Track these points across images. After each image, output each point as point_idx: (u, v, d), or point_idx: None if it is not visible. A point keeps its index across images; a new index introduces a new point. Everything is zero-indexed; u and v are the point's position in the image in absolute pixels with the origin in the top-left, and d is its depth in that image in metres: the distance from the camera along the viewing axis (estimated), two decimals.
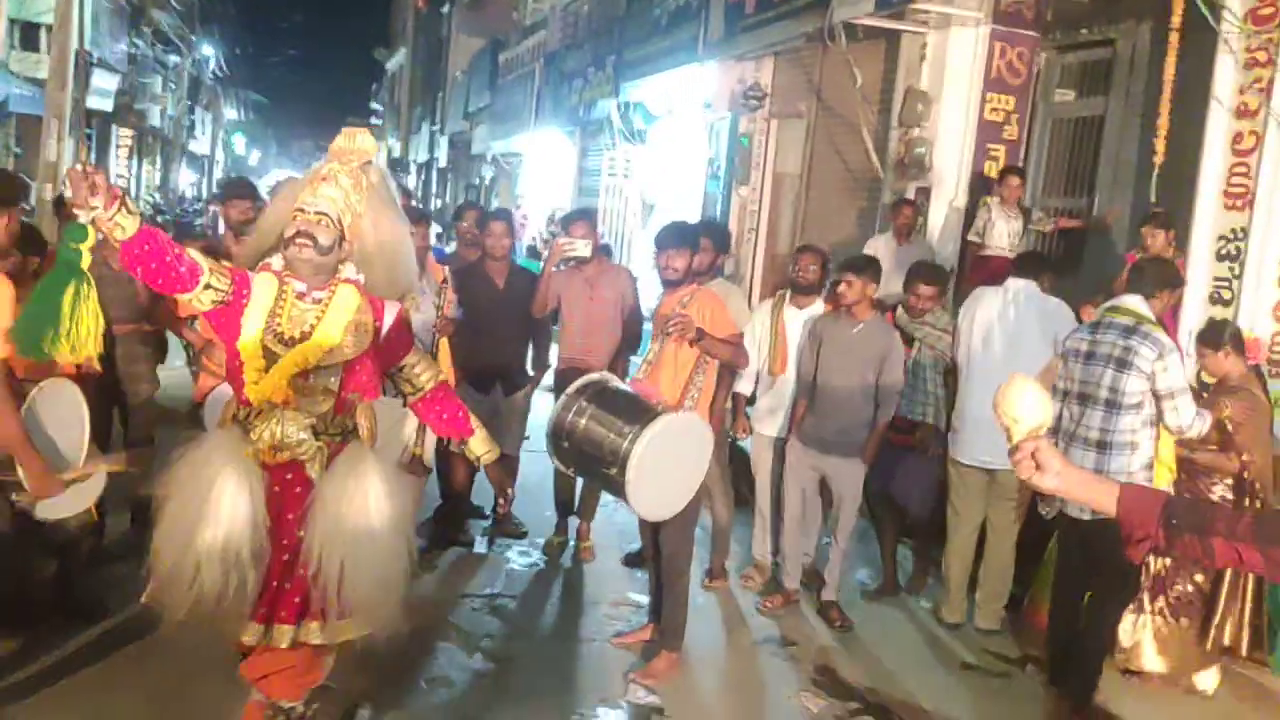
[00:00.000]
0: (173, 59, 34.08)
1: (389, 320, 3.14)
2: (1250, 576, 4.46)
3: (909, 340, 5.39)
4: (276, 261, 3.05)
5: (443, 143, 32.88)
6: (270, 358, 2.94)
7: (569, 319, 5.60)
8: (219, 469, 2.86)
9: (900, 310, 5.54)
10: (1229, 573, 4.51)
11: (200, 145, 45.54)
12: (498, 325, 5.56)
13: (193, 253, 2.89)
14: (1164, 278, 4.47)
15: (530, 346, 5.98)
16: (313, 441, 3.01)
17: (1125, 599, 4.55)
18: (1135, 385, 4.15)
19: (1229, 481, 4.54)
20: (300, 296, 3.01)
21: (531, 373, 5.96)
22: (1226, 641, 4.62)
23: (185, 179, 42.06)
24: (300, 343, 2.96)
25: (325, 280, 3.04)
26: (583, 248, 5.47)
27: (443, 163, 33.95)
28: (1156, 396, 4.16)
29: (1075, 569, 4.44)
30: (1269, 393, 5.04)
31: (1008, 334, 5.15)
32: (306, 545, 2.90)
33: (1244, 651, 4.63)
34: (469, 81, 27.26)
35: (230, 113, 54.24)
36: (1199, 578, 4.63)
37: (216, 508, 2.81)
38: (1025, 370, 5.04)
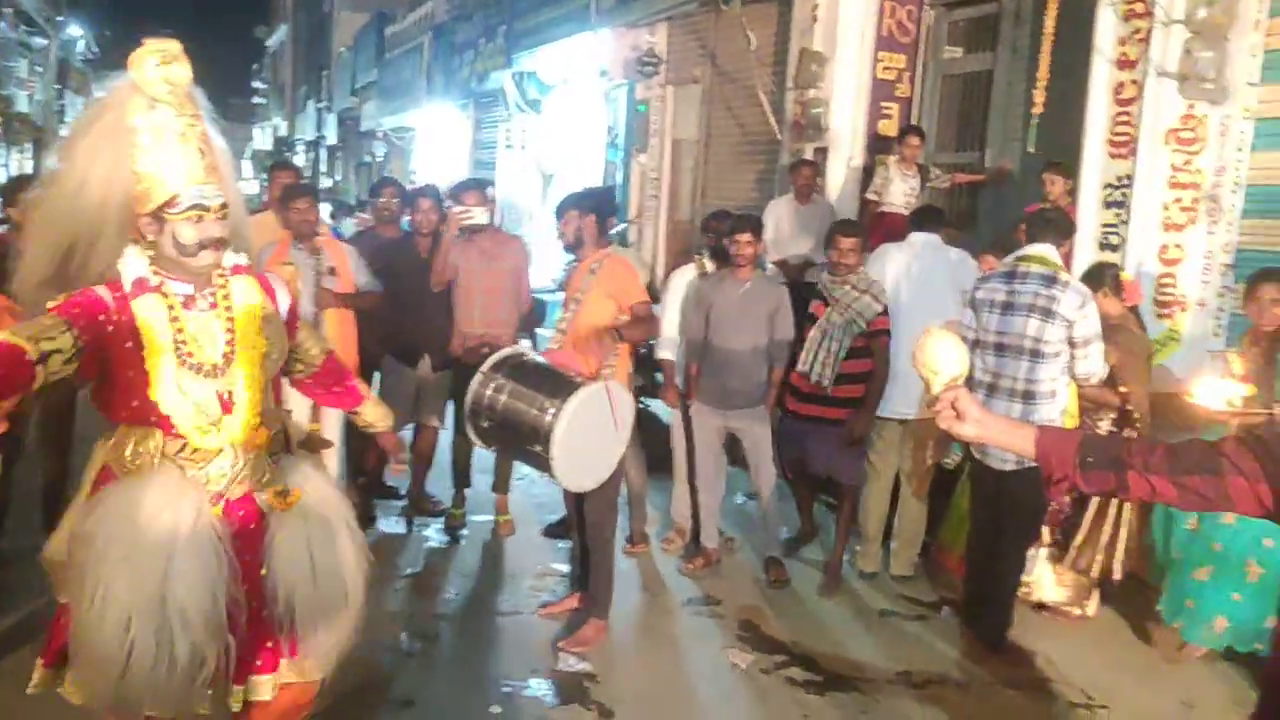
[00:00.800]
0: (38, 41, 32.43)
1: (282, 296, 2.70)
2: (1125, 506, 4.67)
3: (824, 302, 5.11)
4: (136, 266, 2.37)
5: (331, 120, 32.11)
6: (201, 398, 2.42)
7: (468, 290, 5.54)
8: (169, 519, 2.30)
9: (824, 273, 5.29)
10: (1096, 503, 4.73)
11: None
12: (425, 300, 5.49)
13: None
14: (1065, 227, 4.60)
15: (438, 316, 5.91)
16: (266, 465, 2.55)
17: (1033, 536, 4.72)
18: (1058, 334, 4.26)
19: (1112, 415, 4.77)
20: (188, 305, 2.44)
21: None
22: (1099, 568, 4.84)
23: None
24: (226, 368, 2.45)
25: (208, 275, 2.49)
26: (480, 215, 5.45)
27: (332, 140, 33.15)
28: (1072, 344, 4.29)
29: (990, 515, 4.57)
30: (1145, 331, 5.25)
31: (915, 288, 5.28)
32: (271, 585, 2.47)
33: (1119, 575, 4.85)
34: (355, 57, 26.61)
35: (102, 95, 51.83)
36: (1089, 511, 4.87)
37: (170, 573, 2.25)
38: (936, 322, 5.25)
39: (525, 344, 5.16)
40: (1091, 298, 4.33)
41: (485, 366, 3.98)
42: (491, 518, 5.87)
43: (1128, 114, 5.75)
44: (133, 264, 2.38)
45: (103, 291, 2.34)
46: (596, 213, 4.66)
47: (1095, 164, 5.92)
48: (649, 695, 4.07)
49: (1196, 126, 5.55)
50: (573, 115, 14.16)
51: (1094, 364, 4.32)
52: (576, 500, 4.57)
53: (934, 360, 1.96)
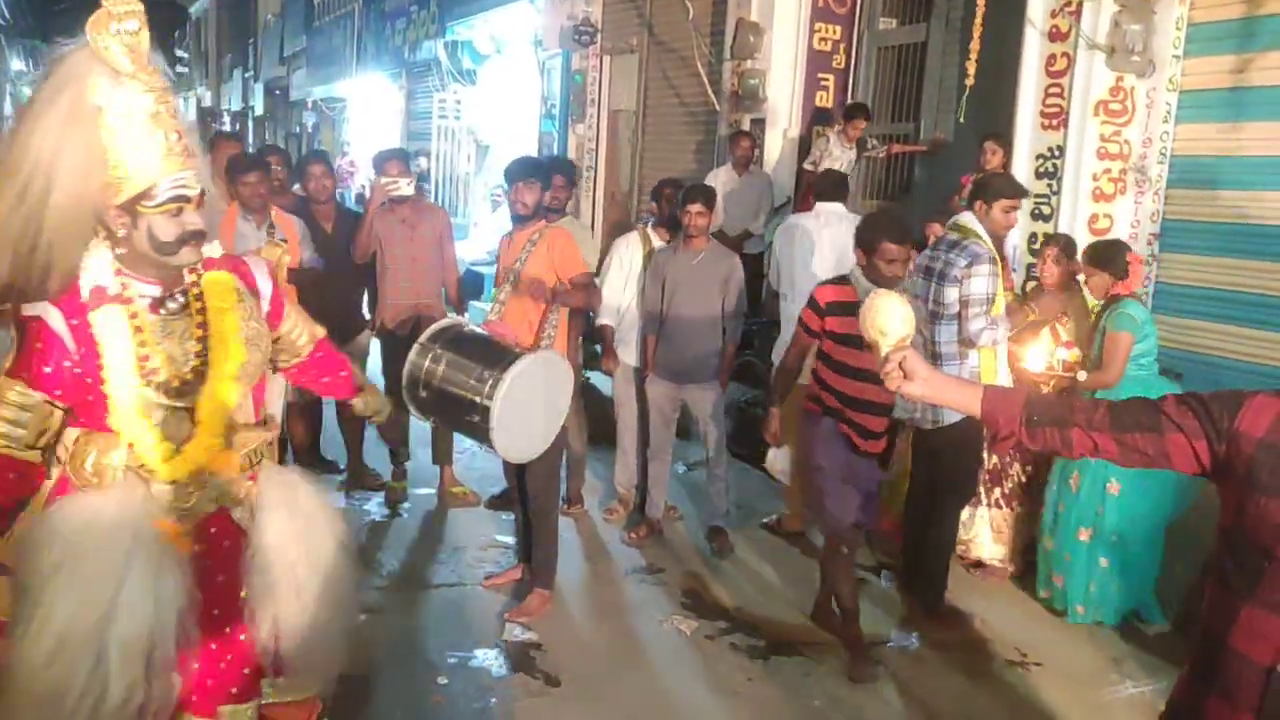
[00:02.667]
0: None
1: (264, 284, 2.42)
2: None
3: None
4: (97, 269, 2.12)
5: (258, 90, 31.30)
6: (167, 419, 2.18)
7: (392, 261, 5.50)
8: (125, 543, 2.07)
9: (858, 275, 4.17)
10: (1042, 465, 4.87)
11: None
12: (330, 270, 5.39)
13: None
14: (988, 189, 4.56)
15: (364, 290, 5.84)
16: (242, 480, 2.33)
17: (966, 497, 4.83)
18: (951, 295, 4.33)
19: (1065, 381, 4.89)
20: (154, 309, 2.17)
21: (369, 315, 5.82)
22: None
23: None
24: (196, 384, 2.19)
25: (179, 273, 2.21)
26: (405, 186, 5.42)
27: (259, 111, 32.35)
28: (961, 304, 4.34)
29: (923, 478, 4.67)
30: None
31: (826, 256, 5.39)
32: (250, 607, 2.30)
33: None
34: (283, 25, 25.95)
35: (17, 64, 50.13)
36: (1028, 469, 4.99)
37: (117, 604, 2.02)
38: None
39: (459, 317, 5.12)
40: (986, 260, 4.32)
41: (423, 337, 3.92)
42: (432, 491, 5.83)
43: (1059, 86, 5.84)
44: (94, 266, 2.11)
45: (56, 322, 2.06)
46: (545, 185, 4.66)
47: (1027, 135, 6.01)
48: (594, 664, 4.10)
49: (1125, 98, 5.66)
50: (508, 85, 14.01)
51: (974, 327, 4.29)
52: (517, 471, 4.55)
53: (882, 322, 1.99)
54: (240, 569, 2.29)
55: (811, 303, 4.18)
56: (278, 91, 28.34)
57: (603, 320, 5.51)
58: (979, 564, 5.08)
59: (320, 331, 2.72)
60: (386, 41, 17.23)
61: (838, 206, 5.57)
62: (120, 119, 2.02)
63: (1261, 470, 1.67)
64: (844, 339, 4.01)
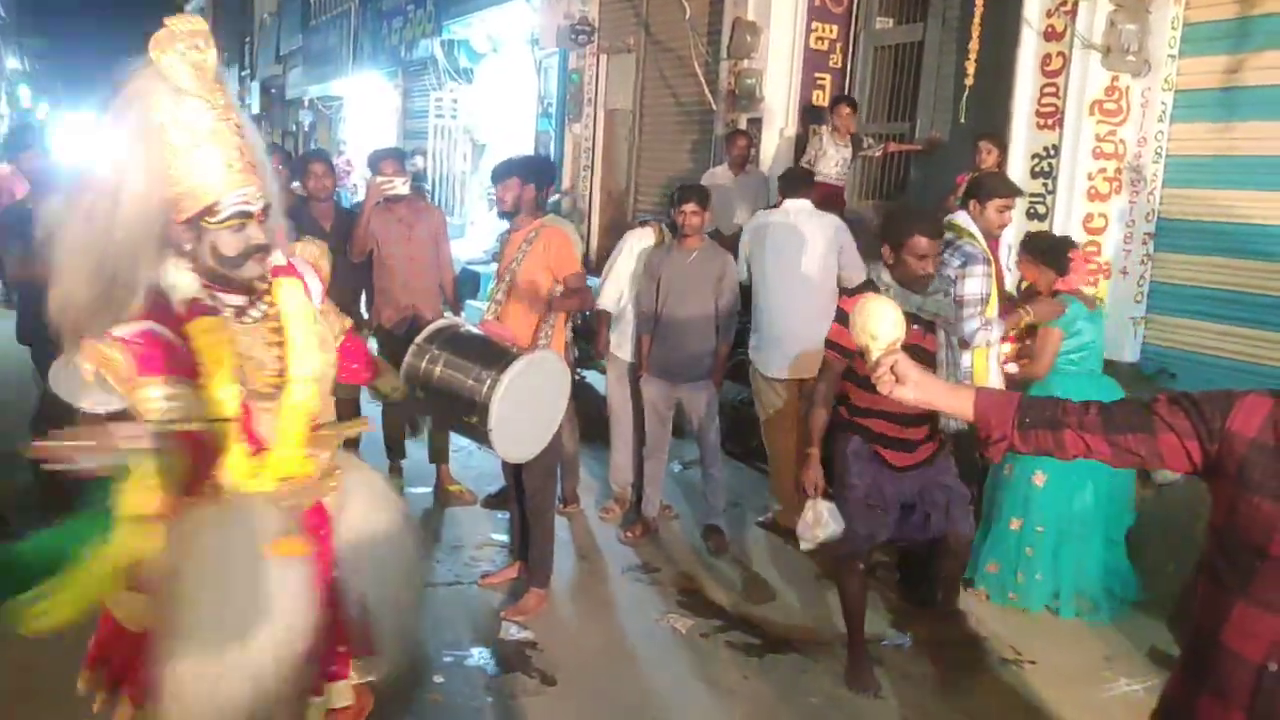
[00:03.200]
0: None
1: (315, 285, 2.49)
2: None
3: (919, 323, 3.80)
4: (185, 283, 2.14)
5: (254, 88, 31.28)
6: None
7: (388, 260, 5.52)
8: (259, 550, 2.13)
9: (886, 278, 3.90)
10: None
11: None
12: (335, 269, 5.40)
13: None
14: (982, 189, 4.61)
15: (362, 289, 5.85)
16: (333, 472, 2.44)
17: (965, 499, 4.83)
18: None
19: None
20: (239, 317, 2.22)
21: (366, 315, 5.83)
22: None
23: None
24: (278, 390, 2.24)
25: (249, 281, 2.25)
26: (401, 185, 5.44)
27: (255, 109, 32.31)
28: (958, 304, 4.35)
29: None
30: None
31: (797, 253, 5.40)
32: (342, 588, 2.38)
33: None
34: (279, 23, 25.93)
35: (12, 63, 50.06)
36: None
37: (263, 613, 2.10)
38: (818, 284, 5.33)
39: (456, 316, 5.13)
40: (980, 260, 4.35)
41: (420, 338, 3.92)
42: (429, 489, 5.85)
43: (1054, 85, 5.86)
44: (181, 281, 2.14)
45: (164, 332, 2.09)
46: (536, 182, 4.64)
47: (1023, 134, 6.03)
48: (590, 662, 4.11)
49: (1120, 98, 5.68)
50: (505, 85, 14.00)
51: (969, 327, 4.29)
52: (514, 471, 4.57)
53: (873, 325, 1.99)
54: (331, 553, 2.39)
55: (839, 313, 3.85)
56: (274, 90, 28.33)
57: (601, 304, 5.47)
58: None
59: (348, 322, 2.77)
60: (383, 40, 17.21)
61: (805, 203, 5.55)
62: (182, 136, 2.05)
63: (1253, 470, 1.68)
64: None
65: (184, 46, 2.04)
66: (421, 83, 16.24)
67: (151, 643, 2.11)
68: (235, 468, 2.19)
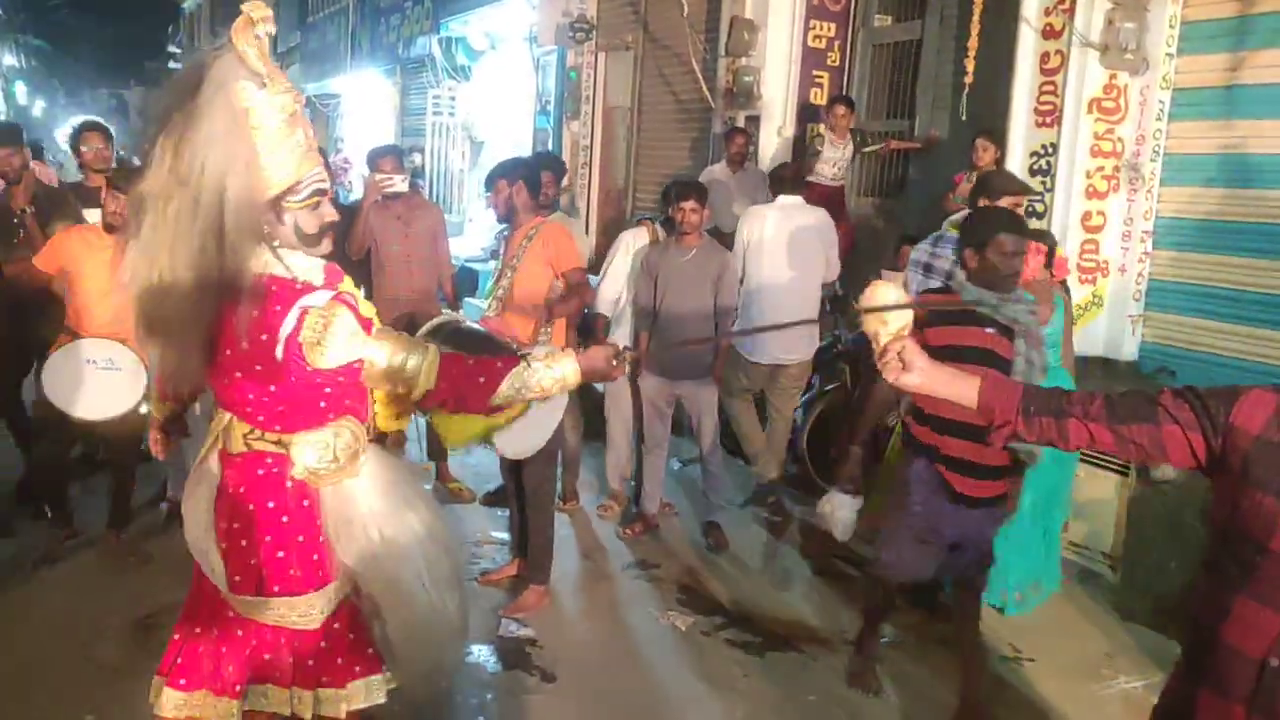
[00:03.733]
0: None
1: (333, 270, 2.55)
2: None
3: (1000, 332, 3.51)
4: (300, 263, 2.27)
5: None
6: None
7: (387, 258, 5.53)
8: (409, 494, 2.44)
9: (962, 280, 3.61)
10: None
11: None
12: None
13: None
14: (984, 187, 4.61)
15: (361, 287, 5.84)
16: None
17: None
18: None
19: None
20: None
21: None
22: None
23: None
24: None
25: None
26: (400, 183, 5.45)
27: None
28: None
29: None
30: (1070, 301, 5.40)
31: (789, 245, 5.60)
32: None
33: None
34: (276, 20, 25.88)
35: (10, 59, 50.00)
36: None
37: (436, 545, 2.43)
38: (805, 276, 5.48)
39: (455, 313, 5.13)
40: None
41: (420, 334, 3.92)
42: (427, 487, 5.84)
43: (1053, 83, 5.85)
44: (297, 262, 2.25)
45: (347, 295, 2.32)
46: (526, 179, 4.64)
47: (1021, 132, 6.02)
48: (590, 659, 4.12)
49: (1118, 96, 5.68)
50: (503, 82, 13.99)
51: None
52: (513, 468, 4.57)
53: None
54: None
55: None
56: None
57: (600, 308, 5.49)
58: None
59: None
60: (381, 37, 17.20)
61: (796, 199, 5.75)
62: (266, 119, 2.11)
63: (1256, 465, 1.69)
64: (954, 352, 3.13)
65: (263, 31, 2.09)
66: (419, 80, 16.22)
67: (345, 622, 2.41)
68: (384, 413, 2.49)
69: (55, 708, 3.49)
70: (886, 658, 4.21)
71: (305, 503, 2.32)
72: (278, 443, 2.29)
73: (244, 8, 2.09)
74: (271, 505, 2.30)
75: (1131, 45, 5.48)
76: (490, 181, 4.63)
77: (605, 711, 3.75)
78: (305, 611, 2.33)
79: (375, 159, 5.62)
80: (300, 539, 2.31)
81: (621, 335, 5.53)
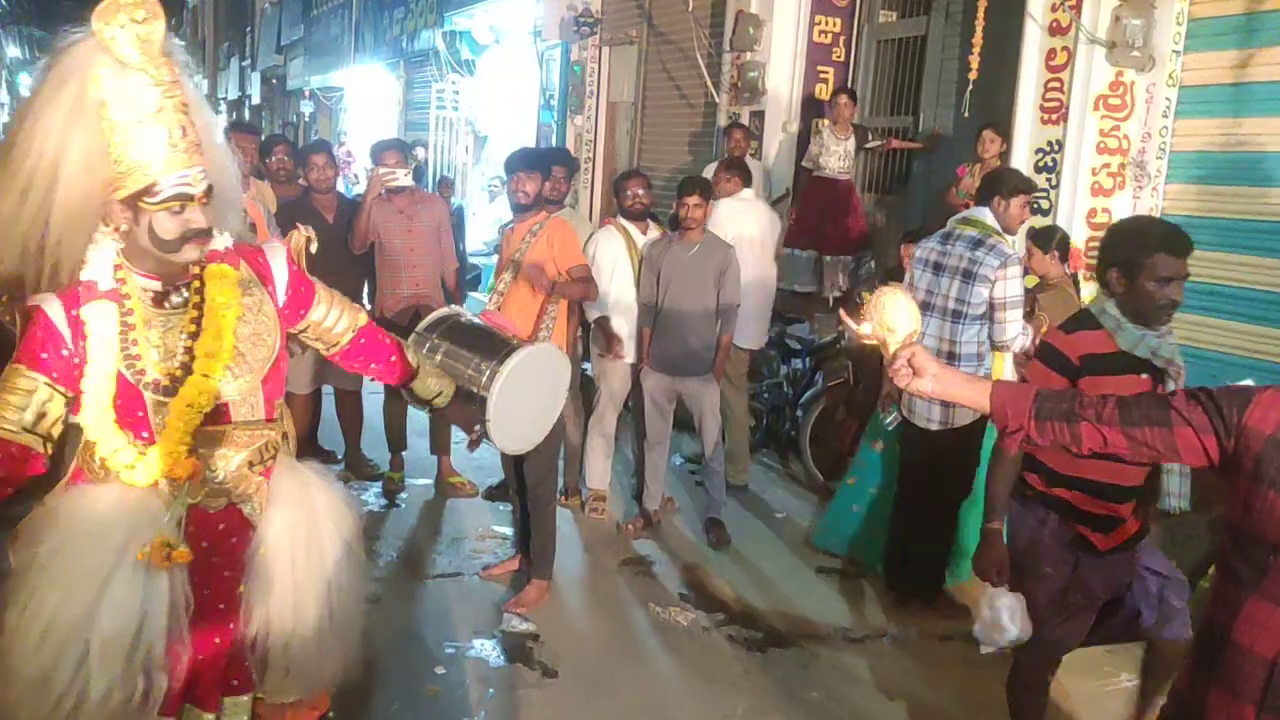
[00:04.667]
0: None
1: (280, 272, 2.32)
2: None
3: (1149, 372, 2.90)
4: (96, 267, 2.07)
5: (255, 79, 31.20)
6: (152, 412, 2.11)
7: (390, 252, 5.51)
8: (120, 538, 2.03)
9: (1113, 310, 2.91)
10: None
11: None
12: (330, 260, 5.37)
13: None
14: (1005, 184, 4.49)
15: (365, 280, 5.83)
16: (252, 477, 2.25)
17: (965, 494, 4.84)
18: (980, 295, 4.30)
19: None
20: (158, 303, 2.13)
21: (369, 305, 5.82)
22: None
23: None
24: (180, 380, 2.10)
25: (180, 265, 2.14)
26: (404, 177, 5.44)
27: (256, 100, 32.26)
28: (992, 306, 4.35)
29: (919, 475, 4.66)
30: (1081, 297, 5.41)
31: (752, 239, 5.85)
32: (246, 604, 2.21)
33: None
34: (280, 13, 25.86)
35: (13, 51, 49.99)
36: None
37: (103, 599, 1.98)
38: (754, 263, 5.62)
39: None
40: (1016, 262, 4.34)
41: (420, 326, 3.90)
42: (429, 482, 5.85)
43: (1059, 80, 5.83)
44: (95, 260, 2.06)
45: (56, 312, 2.04)
46: (549, 176, 4.66)
47: (1026, 129, 6.00)
48: (592, 655, 4.11)
49: (1124, 93, 5.66)
50: (506, 76, 13.98)
51: (1010, 330, 4.32)
52: (515, 463, 4.56)
53: (889, 319, 1.99)
54: (241, 564, 2.22)
55: (1051, 356, 2.93)
56: (274, 81, 28.27)
57: (596, 314, 5.37)
58: None
59: (363, 318, 2.58)
60: (384, 31, 17.18)
61: (747, 191, 6.03)
62: (124, 113, 1.96)
63: (1269, 466, 1.68)
64: None
65: (128, 17, 1.91)
66: (423, 74, 16.21)
67: None
68: (113, 456, 2.09)
69: None
70: (887, 654, 4.20)
71: (76, 484, 2.17)
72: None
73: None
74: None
75: (1138, 42, 5.46)
76: (515, 168, 4.57)
77: (606, 706, 3.75)
78: None
79: (378, 153, 5.60)
80: None
81: (614, 326, 5.45)
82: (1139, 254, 2.85)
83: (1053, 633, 3.05)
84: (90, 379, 2.05)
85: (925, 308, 4.41)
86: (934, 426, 4.46)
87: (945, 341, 4.40)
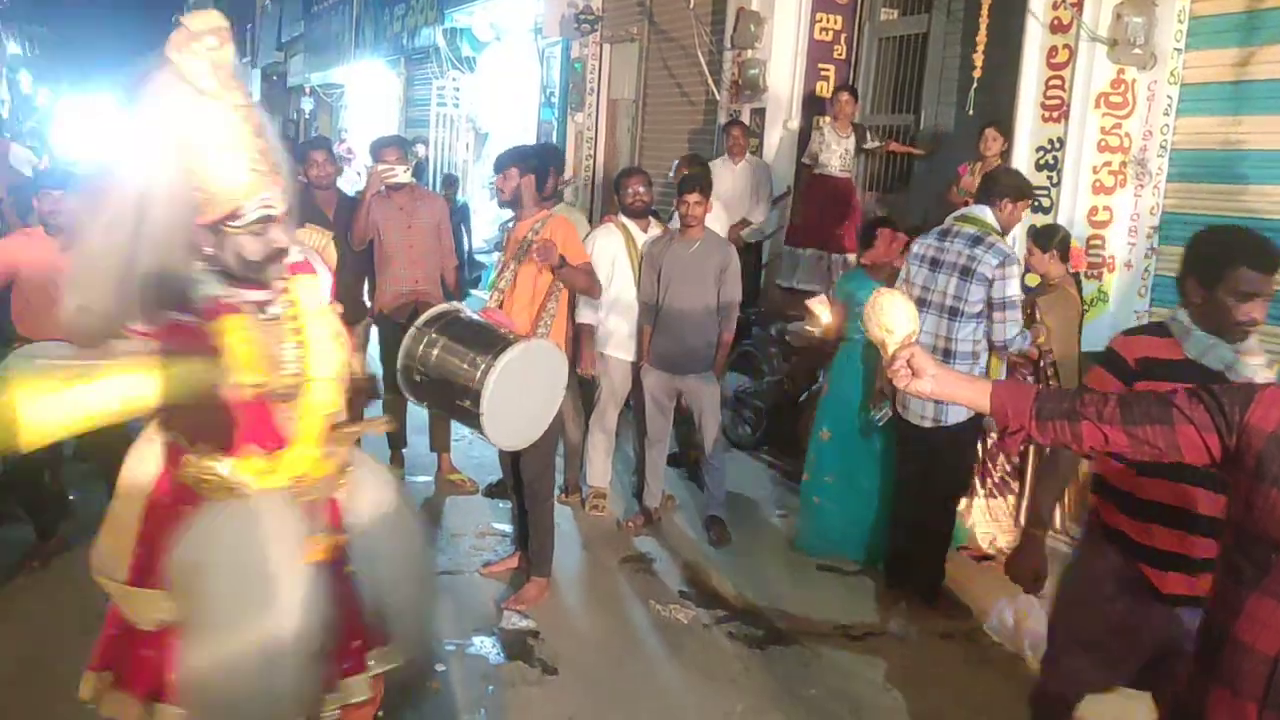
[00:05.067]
0: None
1: (324, 274, 2.47)
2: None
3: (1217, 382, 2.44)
4: (211, 285, 2.15)
5: (255, 76, 31.19)
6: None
7: (390, 249, 5.51)
8: (276, 547, 2.15)
9: (1186, 320, 2.65)
10: (1034, 453, 4.87)
11: None
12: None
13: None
14: (1009, 187, 4.48)
15: (365, 277, 5.83)
16: (344, 473, 2.42)
17: (962, 492, 4.84)
18: (978, 294, 4.30)
19: (1028, 370, 4.91)
20: (261, 311, 2.23)
21: (369, 302, 5.82)
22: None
23: None
24: (297, 388, 2.23)
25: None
26: (403, 174, 5.44)
27: (256, 96, 32.19)
28: (990, 306, 4.35)
29: (915, 472, 4.65)
30: (1083, 296, 5.41)
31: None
32: (357, 582, 2.41)
33: (1058, 525, 5.00)
34: (280, 10, 25.87)
35: (13, 48, 49.92)
36: (1014, 459, 5.01)
37: (279, 606, 2.11)
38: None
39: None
40: (1015, 261, 4.34)
41: (419, 322, 3.90)
42: (429, 479, 5.84)
43: (1060, 78, 5.83)
44: (206, 278, 2.14)
45: (186, 320, 2.11)
46: (537, 172, 4.61)
47: (1027, 127, 6.00)
48: (592, 652, 4.11)
49: (1126, 91, 5.65)
50: (507, 73, 13.97)
51: (1009, 330, 4.31)
52: (512, 459, 4.56)
53: (888, 320, 1.98)
54: (345, 547, 2.39)
55: (1110, 358, 2.70)
56: (275, 77, 28.25)
57: (583, 318, 5.27)
58: (986, 557, 5.09)
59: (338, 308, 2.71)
60: (385, 27, 17.18)
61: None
62: (204, 140, 2.02)
63: (1271, 464, 1.68)
64: None
65: (202, 46, 1.97)
66: (424, 71, 16.20)
67: (166, 640, 2.15)
68: (248, 465, 2.19)
69: (59, 700, 3.48)
70: (888, 651, 4.20)
71: (183, 506, 2.20)
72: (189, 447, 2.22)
73: (184, 20, 1.99)
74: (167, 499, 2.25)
75: (1140, 40, 5.45)
76: (500, 166, 4.59)
77: (606, 703, 3.74)
78: (134, 606, 2.23)
79: (378, 150, 5.60)
80: (161, 535, 2.19)
81: (614, 325, 5.46)
82: (1220, 265, 2.55)
83: (1079, 668, 2.82)
84: (235, 386, 2.13)
85: (921, 304, 4.40)
86: (928, 424, 4.46)
87: (941, 339, 4.39)
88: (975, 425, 4.42)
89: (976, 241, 4.33)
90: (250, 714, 2.09)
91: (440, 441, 5.83)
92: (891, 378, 1.97)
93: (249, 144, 2.06)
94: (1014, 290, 4.31)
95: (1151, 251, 5.76)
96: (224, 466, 2.19)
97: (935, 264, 4.41)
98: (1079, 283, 5.43)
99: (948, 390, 1.95)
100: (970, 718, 3.81)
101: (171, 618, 2.16)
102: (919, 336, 2.01)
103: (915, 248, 4.55)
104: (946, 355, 4.36)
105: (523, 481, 4.53)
